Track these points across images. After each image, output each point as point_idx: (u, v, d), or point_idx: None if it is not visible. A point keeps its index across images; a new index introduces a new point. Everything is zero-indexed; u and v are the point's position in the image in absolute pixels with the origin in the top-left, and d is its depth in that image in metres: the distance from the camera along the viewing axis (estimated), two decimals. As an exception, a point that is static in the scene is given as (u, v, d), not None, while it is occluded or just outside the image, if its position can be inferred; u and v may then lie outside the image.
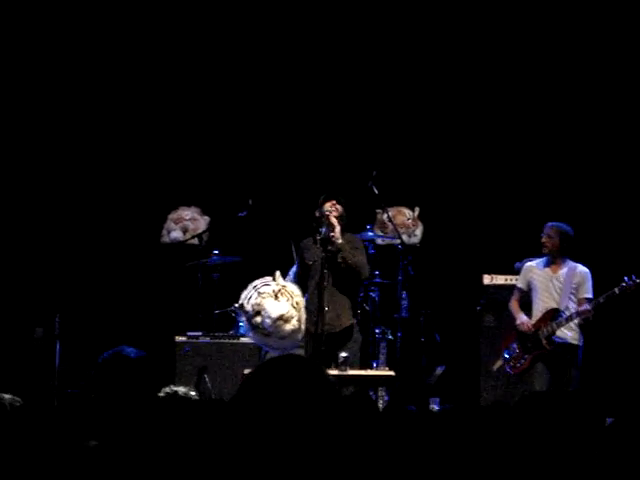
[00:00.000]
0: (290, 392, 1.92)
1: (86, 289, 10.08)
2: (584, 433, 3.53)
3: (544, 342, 7.81)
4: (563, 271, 7.93)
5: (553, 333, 7.82)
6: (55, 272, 10.06)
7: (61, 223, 10.26)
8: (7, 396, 4.17)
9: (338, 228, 7.69)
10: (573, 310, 7.84)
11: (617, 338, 9.42)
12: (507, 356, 8.06)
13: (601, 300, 7.66)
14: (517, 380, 8.32)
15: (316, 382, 1.95)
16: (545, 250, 7.96)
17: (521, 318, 7.96)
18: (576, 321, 7.79)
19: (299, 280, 7.91)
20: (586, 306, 7.69)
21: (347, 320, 7.80)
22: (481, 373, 8.99)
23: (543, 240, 7.95)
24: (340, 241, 7.68)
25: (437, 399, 8.88)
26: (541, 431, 3.47)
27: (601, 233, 9.76)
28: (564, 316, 7.81)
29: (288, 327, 7.35)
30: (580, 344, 7.88)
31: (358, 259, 7.75)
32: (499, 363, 8.17)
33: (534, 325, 7.90)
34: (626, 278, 7.62)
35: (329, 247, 7.71)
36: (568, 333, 7.85)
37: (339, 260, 7.69)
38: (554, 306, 7.88)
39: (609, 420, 4.80)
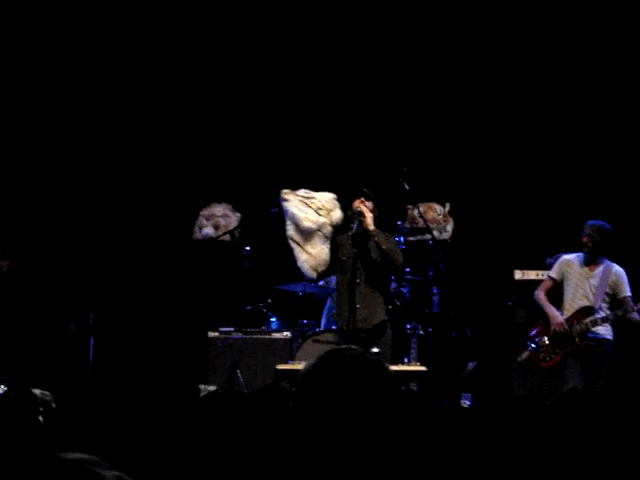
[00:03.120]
0: (351, 386, 1.92)
1: (119, 285, 10.16)
2: (617, 430, 3.54)
3: (577, 340, 7.81)
4: (599, 270, 7.91)
5: (587, 331, 7.83)
6: (89, 268, 10.15)
7: (95, 220, 10.34)
8: (37, 391, 4.23)
9: (370, 214, 7.76)
10: (607, 310, 7.85)
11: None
12: (534, 347, 8.04)
13: None
14: (549, 375, 8.30)
15: (377, 376, 1.96)
16: (586, 249, 7.91)
17: (556, 317, 7.93)
18: (636, 316, 7.74)
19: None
20: None
21: (380, 317, 7.84)
22: (513, 368, 8.98)
23: (584, 240, 7.89)
24: (372, 227, 7.74)
25: (469, 394, 8.88)
26: (575, 428, 3.47)
27: (633, 229, 9.72)
28: (599, 316, 7.81)
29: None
30: (611, 338, 7.87)
31: (391, 245, 7.82)
32: (525, 354, 8.15)
33: (567, 321, 7.90)
34: None
35: (362, 237, 7.78)
36: (600, 328, 7.84)
37: (372, 244, 7.74)
38: (588, 304, 7.87)
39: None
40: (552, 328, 7.90)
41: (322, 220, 7.87)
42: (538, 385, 8.73)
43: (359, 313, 7.68)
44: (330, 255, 7.94)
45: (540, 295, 8.10)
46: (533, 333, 8.11)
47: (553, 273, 8.13)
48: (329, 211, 7.91)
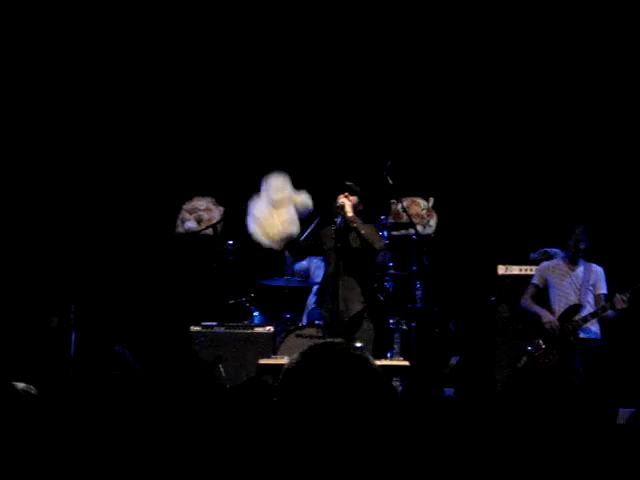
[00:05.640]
0: (336, 380, 1.89)
1: (101, 279, 10.10)
2: (596, 424, 3.54)
3: (571, 338, 7.92)
4: (580, 269, 8.09)
5: (579, 328, 7.97)
6: (70, 262, 10.08)
7: (77, 214, 10.27)
8: (21, 385, 4.19)
9: (349, 203, 7.76)
10: (594, 306, 7.98)
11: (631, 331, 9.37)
12: (532, 351, 8.11)
13: (628, 294, 7.79)
14: (531, 371, 8.32)
15: (362, 371, 1.93)
16: (574, 251, 8.08)
17: (548, 316, 8.03)
18: (609, 313, 7.88)
19: (300, 247, 8.03)
20: (621, 295, 7.79)
21: (356, 308, 7.80)
22: (495, 364, 8.98)
23: (576, 243, 8.04)
24: (350, 214, 7.74)
25: (452, 389, 8.87)
26: (556, 423, 3.47)
27: (611, 226, 9.75)
28: (588, 312, 7.96)
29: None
30: (600, 338, 8.05)
31: (370, 230, 7.81)
32: (524, 359, 8.21)
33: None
34: None
35: (345, 231, 7.76)
36: (591, 327, 8.00)
37: (353, 235, 7.72)
38: (574, 302, 8.01)
39: (622, 410, 4.81)
40: (545, 326, 7.97)
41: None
42: (521, 380, 8.73)
43: (339, 306, 7.65)
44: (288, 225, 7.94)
45: (527, 302, 8.22)
46: (529, 337, 8.22)
47: (535, 280, 8.28)
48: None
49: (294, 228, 7.81)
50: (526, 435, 3.53)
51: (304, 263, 9.47)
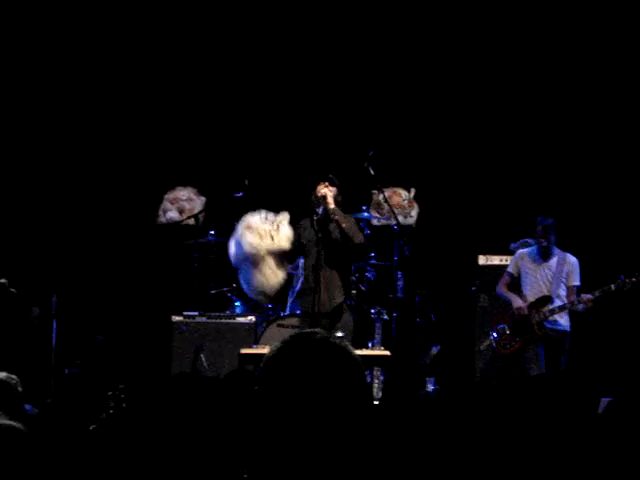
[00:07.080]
0: (315, 370, 1.91)
1: (83, 269, 10.08)
2: (578, 413, 3.57)
3: (535, 327, 7.99)
4: (554, 260, 8.16)
5: (545, 319, 8.04)
6: (52, 252, 10.06)
7: (57, 203, 10.24)
8: (2, 374, 4.19)
9: (330, 194, 7.79)
10: (565, 298, 8.05)
11: (605, 325, 9.41)
12: (495, 336, 8.25)
13: (597, 294, 7.84)
14: (512, 361, 8.40)
15: (342, 360, 1.95)
16: (547, 245, 8.08)
17: (518, 302, 8.10)
18: (579, 307, 7.93)
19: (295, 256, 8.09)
20: (589, 296, 7.85)
21: (338, 300, 7.86)
22: (476, 353, 9.03)
23: (540, 238, 8.14)
24: (332, 206, 7.77)
25: (432, 379, 8.91)
26: (537, 411, 3.50)
27: (591, 220, 9.80)
28: (557, 304, 8.04)
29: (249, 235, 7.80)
30: (569, 330, 8.11)
31: (350, 224, 7.85)
32: (487, 342, 8.36)
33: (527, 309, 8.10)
34: (622, 276, 7.81)
35: (326, 221, 7.79)
36: (559, 320, 8.09)
37: (333, 226, 7.76)
38: (545, 293, 8.09)
39: (603, 399, 4.86)
40: (513, 311, 8.08)
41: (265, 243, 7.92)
42: (501, 370, 8.79)
43: (321, 296, 7.69)
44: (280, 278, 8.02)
45: (502, 289, 8.33)
46: (494, 323, 8.33)
47: (510, 268, 8.40)
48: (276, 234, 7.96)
49: (280, 276, 7.91)
50: (505, 422, 3.56)
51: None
